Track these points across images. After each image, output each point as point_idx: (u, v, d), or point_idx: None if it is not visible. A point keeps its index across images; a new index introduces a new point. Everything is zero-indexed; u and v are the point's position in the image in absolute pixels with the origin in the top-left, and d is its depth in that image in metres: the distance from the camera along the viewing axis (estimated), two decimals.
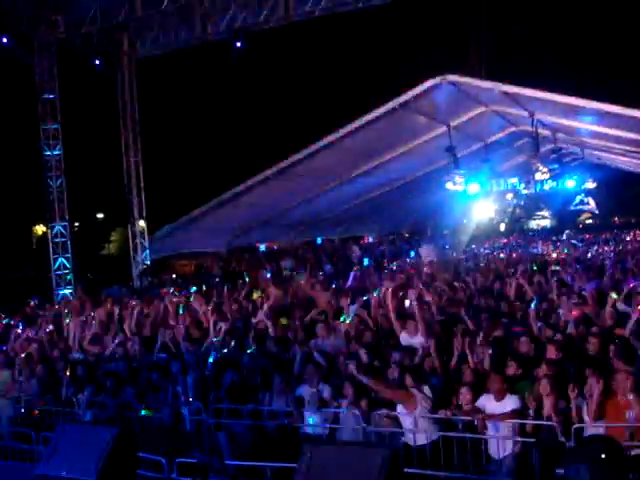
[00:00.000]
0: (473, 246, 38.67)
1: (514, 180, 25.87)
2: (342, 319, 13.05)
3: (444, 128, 23.68)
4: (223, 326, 13.44)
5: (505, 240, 47.40)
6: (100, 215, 45.59)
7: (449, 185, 24.81)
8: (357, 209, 32.37)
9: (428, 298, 12.99)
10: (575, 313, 12.10)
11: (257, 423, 10.23)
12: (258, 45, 23.39)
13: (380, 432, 9.47)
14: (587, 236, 44.24)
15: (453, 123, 23.58)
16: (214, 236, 28.98)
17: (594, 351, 9.83)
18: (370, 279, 21.64)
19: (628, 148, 24.73)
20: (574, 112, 19.80)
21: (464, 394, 9.20)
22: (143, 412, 10.61)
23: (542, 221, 57.46)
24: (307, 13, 21.41)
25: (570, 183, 25.42)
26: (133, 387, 11.51)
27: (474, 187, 24.76)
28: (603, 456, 4.87)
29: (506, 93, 19.63)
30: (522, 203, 51.39)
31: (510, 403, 8.82)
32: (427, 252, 29.64)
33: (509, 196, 30.38)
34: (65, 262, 24.17)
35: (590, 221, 54.86)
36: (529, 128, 23.09)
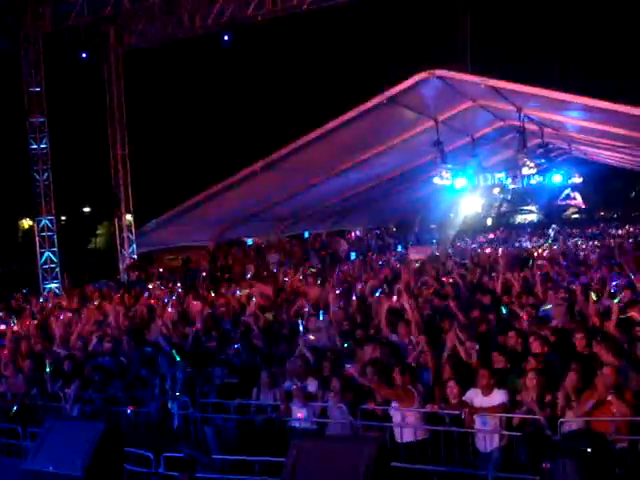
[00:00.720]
0: (460, 241, 38.74)
1: (501, 175, 25.93)
2: None
3: (432, 122, 23.71)
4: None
5: (492, 235, 47.54)
6: (87, 209, 45.38)
7: (436, 180, 24.89)
8: (344, 203, 32.40)
9: (406, 305, 12.68)
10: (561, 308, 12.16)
11: (245, 418, 10.23)
12: (246, 38, 23.33)
13: (368, 426, 9.49)
14: (574, 231, 44.41)
15: (441, 118, 23.62)
16: (201, 230, 28.94)
17: (580, 345, 9.88)
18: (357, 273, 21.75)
19: (615, 143, 24.85)
20: (561, 107, 19.86)
21: (451, 388, 9.23)
22: (129, 412, 10.60)
23: (529, 216, 57.67)
24: (295, 7, 21.38)
25: (557, 178, 25.54)
26: (121, 382, 11.47)
27: (461, 181, 24.82)
28: (589, 450, 4.91)
29: (493, 88, 19.64)
30: (509, 198, 51.57)
31: (497, 397, 8.85)
32: (416, 252, 29.70)
33: (496, 191, 30.43)
34: (52, 256, 24.06)
35: (576, 216, 55.08)
36: (516, 123, 23.16)
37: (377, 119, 22.45)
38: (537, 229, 48.63)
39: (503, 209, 55.07)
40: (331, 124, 22.15)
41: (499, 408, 8.76)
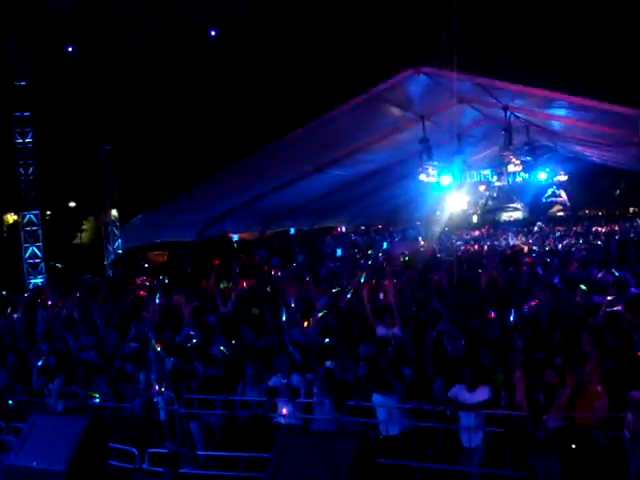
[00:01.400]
0: (447, 238, 38.83)
1: (487, 172, 26.04)
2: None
3: (418, 119, 23.73)
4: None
5: (477, 232, 47.67)
6: (72, 204, 45.12)
7: (422, 177, 24.91)
8: (330, 200, 32.37)
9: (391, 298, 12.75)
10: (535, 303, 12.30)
11: (230, 413, 10.21)
12: (233, 32, 23.27)
13: (353, 422, 9.49)
14: (559, 228, 44.58)
15: (427, 114, 23.63)
16: (186, 226, 28.87)
17: (560, 342, 9.92)
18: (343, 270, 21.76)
19: (600, 141, 24.97)
20: (547, 104, 19.93)
21: (437, 384, 9.27)
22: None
23: (514, 213, 57.81)
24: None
25: (542, 175, 25.67)
26: (105, 377, 11.42)
27: (447, 179, 24.89)
28: (573, 447, 4.93)
29: (480, 85, 19.68)
30: (494, 195, 51.84)
31: (483, 393, 8.88)
32: (402, 248, 29.83)
33: (482, 188, 30.57)
34: (36, 251, 23.98)
35: (561, 213, 55.29)
36: (502, 120, 23.22)
37: (363, 115, 22.45)
38: (522, 226, 48.77)
39: (488, 206, 55.33)
40: (316, 120, 22.13)
41: (484, 404, 8.78)
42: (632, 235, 34.09)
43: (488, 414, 8.75)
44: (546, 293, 13.35)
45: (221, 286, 18.95)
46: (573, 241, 32.63)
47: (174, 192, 25.46)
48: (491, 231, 47.21)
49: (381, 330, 12.03)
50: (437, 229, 37.77)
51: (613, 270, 15.53)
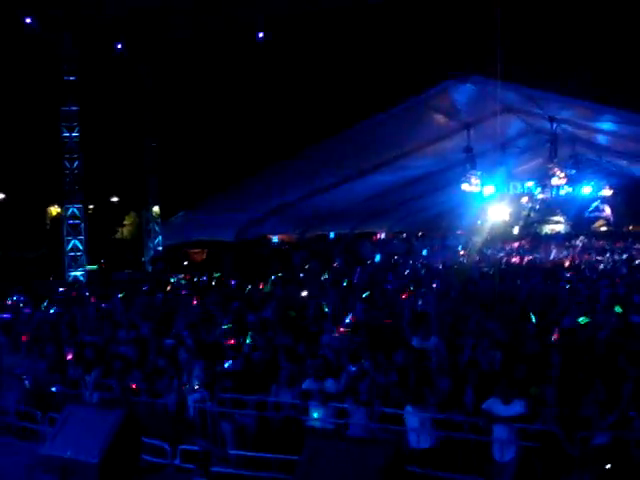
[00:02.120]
0: (487, 249, 38.43)
1: (530, 184, 25.80)
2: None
3: (462, 128, 23.59)
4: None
5: (517, 244, 47.09)
6: (115, 199, 45.65)
7: (465, 186, 24.73)
8: (371, 205, 32.30)
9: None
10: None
11: (262, 414, 10.20)
12: (281, 32, 23.33)
13: (384, 428, 9.44)
14: (601, 243, 43.86)
15: (472, 123, 23.47)
16: (226, 226, 28.99)
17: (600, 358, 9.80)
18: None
19: None
20: (595, 117, 19.67)
21: (468, 396, 9.17)
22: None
23: (556, 226, 57.00)
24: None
25: (586, 189, 25.36)
26: (140, 371, 11.51)
27: (490, 189, 24.69)
28: (608, 467, 4.84)
29: (526, 95, 19.49)
30: (537, 207, 51.20)
31: (517, 407, 8.76)
32: (441, 257, 29.71)
33: (524, 199, 30.27)
34: (78, 244, 24.25)
35: (605, 228, 54.42)
36: (548, 132, 22.97)
37: (408, 122, 22.39)
38: (564, 240, 48.08)
39: (531, 218, 54.66)
40: (361, 124, 22.11)
41: (518, 418, 8.67)
42: None
43: (522, 428, 8.63)
44: (584, 309, 13.18)
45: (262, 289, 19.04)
46: (616, 257, 32.07)
47: (216, 191, 25.59)
48: (532, 244, 46.61)
49: (417, 342, 11.94)
50: (478, 239, 37.42)
51: None
